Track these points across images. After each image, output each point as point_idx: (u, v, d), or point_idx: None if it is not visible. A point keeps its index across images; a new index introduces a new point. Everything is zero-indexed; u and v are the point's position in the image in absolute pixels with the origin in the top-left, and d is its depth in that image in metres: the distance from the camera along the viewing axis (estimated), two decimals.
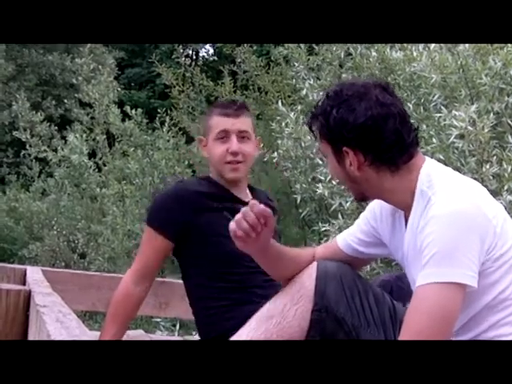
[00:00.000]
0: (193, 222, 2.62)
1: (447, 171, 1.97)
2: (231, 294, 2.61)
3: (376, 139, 1.92)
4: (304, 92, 5.60)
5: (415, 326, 1.77)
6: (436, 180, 1.89)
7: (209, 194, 2.67)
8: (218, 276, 2.63)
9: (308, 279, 2.13)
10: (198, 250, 2.65)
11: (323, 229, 4.59)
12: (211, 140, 2.67)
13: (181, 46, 9.45)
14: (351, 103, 1.93)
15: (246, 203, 2.58)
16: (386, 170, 1.93)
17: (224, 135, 2.64)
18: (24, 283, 2.53)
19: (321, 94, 5.39)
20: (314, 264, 2.15)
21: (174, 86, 8.15)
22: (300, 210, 5.57)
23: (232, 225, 1.98)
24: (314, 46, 6.28)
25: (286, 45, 6.25)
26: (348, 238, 2.20)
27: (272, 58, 7.60)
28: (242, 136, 2.65)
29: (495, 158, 4.10)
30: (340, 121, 1.93)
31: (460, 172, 3.68)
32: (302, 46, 5.97)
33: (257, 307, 2.40)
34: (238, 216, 1.97)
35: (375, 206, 2.15)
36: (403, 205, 1.96)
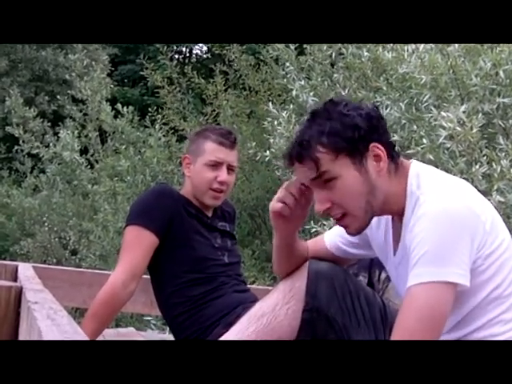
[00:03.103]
0: (175, 220, 2.69)
1: (434, 171, 1.96)
2: (206, 296, 2.67)
3: (384, 130, 1.91)
4: (294, 93, 5.61)
5: (406, 327, 1.76)
6: (424, 180, 1.88)
7: (187, 200, 2.77)
8: (192, 280, 2.68)
9: (299, 279, 2.14)
10: (177, 250, 2.70)
11: (313, 230, 4.61)
12: (201, 163, 2.73)
13: (173, 45, 9.43)
14: (345, 105, 1.88)
15: (209, 217, 2.78)
16: (391, 169, 1.90)
17: (216, 164, 2.72)
18: (15, 279, 2.53)
19: (311, 94, 5.44)
20: (306, 264, 2.16)
21: (162, 87, 8.14)
22: None
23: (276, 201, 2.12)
24: (304, 45, 6.27)
25: (274, 46, 6.22)
26: (336, 239, 2.20)
27: (262, 58, 7.58)
28: (231, 168, 2.76)
29: (485, 158, 4.11)
30: (351, 120, 1.85)
31: (450, 172, 3.71)
32: (292, 46, 5.96)
33: (227, 298, 2.55)
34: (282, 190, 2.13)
35: None
36: (397, 209, 1.91)
